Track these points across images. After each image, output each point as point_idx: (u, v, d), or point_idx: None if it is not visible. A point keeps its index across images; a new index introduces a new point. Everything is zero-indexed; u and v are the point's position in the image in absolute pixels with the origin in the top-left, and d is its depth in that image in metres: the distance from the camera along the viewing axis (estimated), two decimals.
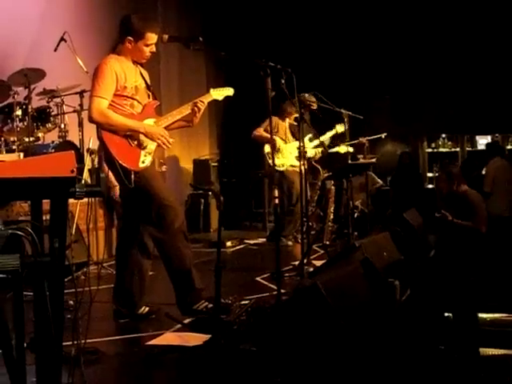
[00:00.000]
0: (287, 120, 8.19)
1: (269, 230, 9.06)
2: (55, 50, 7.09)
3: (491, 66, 11.28)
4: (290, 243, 7.86)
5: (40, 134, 7.11)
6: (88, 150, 5.58)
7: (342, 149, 7.58)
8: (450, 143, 13.15)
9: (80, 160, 6.42)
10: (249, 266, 6.79)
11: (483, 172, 9.87)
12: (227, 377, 3.40)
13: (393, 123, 11.51)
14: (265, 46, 9.27)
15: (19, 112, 6.76)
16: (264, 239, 8.46)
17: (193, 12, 11.10)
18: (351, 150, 7.77)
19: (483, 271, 5.01)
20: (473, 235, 6.53)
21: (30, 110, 6.75)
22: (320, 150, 7.93)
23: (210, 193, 9.59)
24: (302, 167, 5.75)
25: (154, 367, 3.61)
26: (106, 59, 4.35)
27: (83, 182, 2.39)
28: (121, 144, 4.28)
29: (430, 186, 12.44)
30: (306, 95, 7.15)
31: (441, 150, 13.11)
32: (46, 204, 2.42)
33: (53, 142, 7.01)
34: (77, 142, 7.12)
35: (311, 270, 5.50)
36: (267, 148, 7.82)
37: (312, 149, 7.94)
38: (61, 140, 7.12)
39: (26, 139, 6.73)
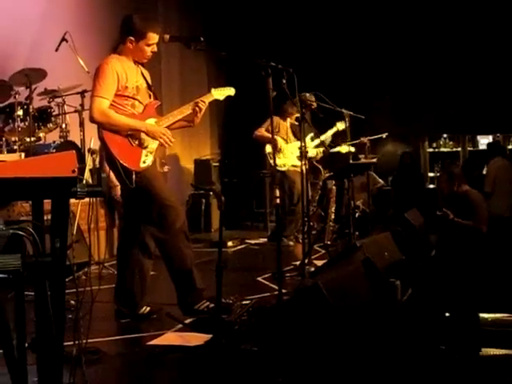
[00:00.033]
0: (288, 120, 8.20)
1: (270, 229, 9.06)
2: (56, 49, 7.09)
3: (492, 66, 11.28)
4: (291, 243, 7.86)
5: (41, 134, 7.10)
6: (89, 149, 5.57)
7: (344, 148, 7.58)
8: (451, 143, 13.15)
9: (81, 160, 6.43)
10: (250, 265, 6.79)
11: (484, 172, 9.87)
12: (228, 377, 3.40)
13: (394, 123, 11.50)
14: (266, 46, 9.28)
15: (20, 112, 6.75)
16: (265, 239, 8.46)
17: (194, 12, 11.10)
18: (353, 149, 7.77)
19: (484, 271, 5.01)
20: (473, 235, 6.53)
21: (31, 110, 6.74)
22: (321, 149, 7.93)
23: (211, 193, 9.59)
24: (303, 167, 5.74)
25: (155, 367, 3.61)
26: (107, 59, 4.35)
27: (84, 182, 2.38)
28: (122, 144, 4.29)
29: (431, 186, 12.44)
30: (307, 94, 7.15)
31: (442, 149, 13.11)
32: (47, 204, 2.42)
33: (54, 142, 7.01)
34: (78, 142, 7.12)
35: (312, 269, 5.49)
36: (268, 148, 7.82)
37: (313, 148, 7.94)
38: (62, 140, 7.11)
39: (28, 139, 6.72)
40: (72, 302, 4.14)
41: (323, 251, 7.18)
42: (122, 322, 4.50)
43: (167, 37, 4.38)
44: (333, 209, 7.91)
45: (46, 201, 2.44)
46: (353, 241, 6.00)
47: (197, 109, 4.56)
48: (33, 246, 2.31)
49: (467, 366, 3.28)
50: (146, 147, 4.38)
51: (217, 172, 10.38)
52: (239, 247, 8.20)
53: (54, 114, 7.16)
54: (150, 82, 4.62)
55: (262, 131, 7.90)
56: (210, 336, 3.84)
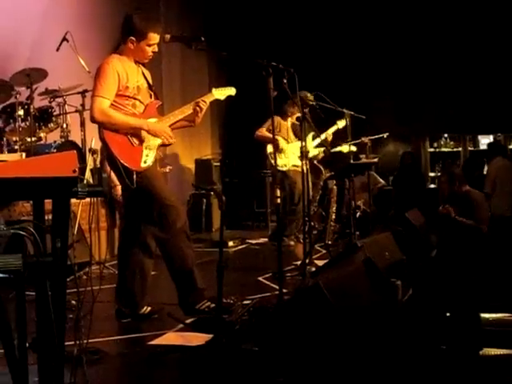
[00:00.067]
0: (289, 120, 8.19)
1: (271, 229, 9.06)
2: (57, 49, 7.09)
3: (493, 66, 11.27)
4: (292, 243, 7.86)
5: (42, 134, 7.10)
6: (90, 149, 5.57)
7: (345, 148, 7.58)
8: (452, 143, 13.14)
9: (82, 160, 6.43)
10: (251, 265, 6.79)
11: (485, 172, 9.86)
12: (229, 376, 3.40)
13: (395, 123, 11.51)
14: (267, 46, 9.27)
15: (21, 112, 6.75)
16: (266, 239, 8.46)
17: (195, 11, 11.10)
18: (354, 149, 7.77)
19: (485, 271, 5.01)
20: (474, 234, 6.52)
21: (32, 110, 6.75)
22: (322, 149, 7.93)
23: (212, 193, 9.58)
24: (304, 167, 5.73)
25: (156, 367, 3.61)
26: (108, 59, 4.35)
27: (85, 181, 2.39)
28: (123, 144, 4.29)
29: (432, 186, 12.43)
30: (308, 94, 7.14)
31: (443, 149, 13.11)
32: (48, 204, 2.43)
33: (55, 141, 7.01)
34: (79, 142, 7.12)
35: (313, 269, 5.49)
36: (270, 148, 7.81)
37: (314, 148, 7.94)
38: (63, 140, 7.11)
39: (28, 139, 6.73)
40: (73, 301, 4.14)
41: (324, 251, 7.18)
42: (122, 321, 4.50)
43: (168, 37, 4.38)
44: (334, 209, 7.91)
45: (46, 201, 2.44)
46: (354, 241, 5.99)
47: (198, 108, 4.56)
48: (34, 246, 2.31)
49: (468, 365, 3.28)
50: (147, 146, 4.38)
51: (218, 172, 10.38)
52: (240, 247, 8.20)
53: (54, 113, 7.16)
54: (150, 81, 4.62)
55: (263, 131, 7.90)
56: (211, 336, 3.84)
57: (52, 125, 7.13)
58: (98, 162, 5.88)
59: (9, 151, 6.64)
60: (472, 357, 3.34)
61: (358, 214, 7.76)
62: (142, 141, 4.36)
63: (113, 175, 4.53)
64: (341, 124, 7.66)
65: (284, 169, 7.88)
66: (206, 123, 10.82)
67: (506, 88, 11.10)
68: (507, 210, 8.39)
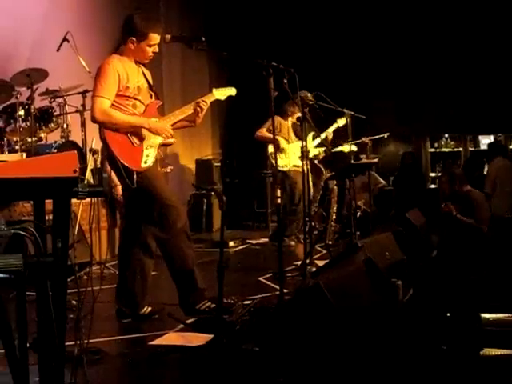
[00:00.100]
0: (290, 119, 8.18)
1: (271, 230, 9.06)
2: (58, 50, 7.08)
3: (493, 66, 11.27)
4: (292, 243, 7.86)
5: (42, 134, 7.10)
6: (91, 150, 5.57)
7: (346, 148, 7.57)
8: (452, 143, 13.14)
9: (83, 160, 6.43)
10: (251, 266, 6.79)
11: (485, 172, 9.86)
12: (230, 377, 3.40)
13: (395, 123, 11.51)
14: (267, 46, 9.28)
15: (22, 112, 6.75)
16: (266, 239, 8.46)
17: (195, 11, 11.10)
18: (355, 148, 7.77)
19: (485, 272, 5.01)
20: (475, 234, 6.52)
21: (32, 110, 6.75)
22: (323, 149, 7.92)
23: (213, 193, 9.58)
24: (305, 167, 5.73)
25: (156, 367, 3.61)
26: (108, 59, 4.36)
27: (86, 182, 2.39)
28: (123, 144, 4.29)
29: (433, 186, 12.43)
30: (308, 95, 7.14)
31: (443, 149, 13.10)
32: (48, 204, 2.43)
33: (55, 142, 7.01)
34: (79, 142, 7.11)
35: (314, 269, 5.49)
36: (271, 148, 7.81)
37: (315, 148, 7.93)
38: (63, 140, 7.11)
39: (29, 139, 6.73)
40: (73, 302, 4.14)
41: (324, 251, 7.18)
42: (123, 321, 4.50)
43: (169, 37, 4.38)
44: (334, 209, 7.91)
45: (47, 201, 2.44)
46: (354, 241, 5.99)
47: (198, 109, 4.56)
48: (34, 246, 2.31)
49: (468, 366, 3.28)
50: (148, 144, 4.38)
51: (218, 172, 10.38)
52: (240, 247, 8.20)
53: (55, 114, 7.16)
54: (151, 81, 4.63)
55: (264, 131, 7.89)
56: (212, 336, 3.84)
57: (52, 125, 7.13)
58: (98, 162, 5.88)
59: (9, 151, 6.64)
60: (472, 357, 3.33)
61: (359, 214, 7.76)
62: (142, 140, 4.36)
63: (113, 175, 4.53)
64: (341, 122, 7.65)
65: (285, 169, 7.87)
66: (206, 123, 10.81)
67: (506, 88, 11.10)
68: (507, 211, 8.38)
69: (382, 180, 10.00)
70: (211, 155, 10.98)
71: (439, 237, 6.64)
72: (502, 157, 9.09)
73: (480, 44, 11.26)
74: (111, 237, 7.17)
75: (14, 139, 6.76)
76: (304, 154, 5.81)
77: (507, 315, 3.67)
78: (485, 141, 12.53)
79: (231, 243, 8.13)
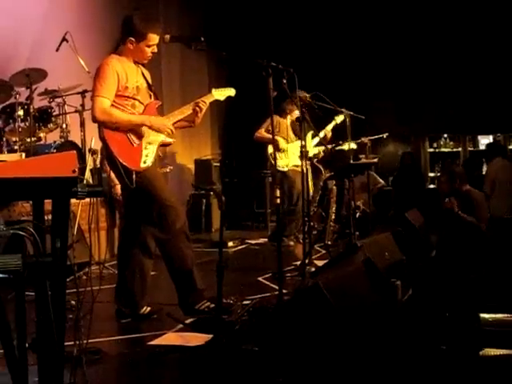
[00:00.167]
0: (288, 117, 8.14)
1: (270, 230, 9.06)
2: (57, 50, 7.09)
3: (492, 66, 11.28)
4: (291, 243, 7.85)
5: (42, 134, 7.11)
6: (90, 149, 5.57)
7: (345, 146, 7.56)
8: (451, 143, 13.14)
9: (82, 160, 6.44)
10: (250, 266, 6.79)
11: (484, 172, 9.85)
12: (229, 377, 3.40)
13: (395, 123, 11.51)
14: (267, 46, 9.28)
15: (21, 112, 6.76)
16: (266, 239, 8.45)
17: (194, 11, 11.10)
18: (355, 146, 7.76)
19: (484, 272, 5.01)
20: (475, 233, 6.52)
21: (31, 110, 6.75)
22: (322, 148, 7.91)
23: (212, 193, 9.59)
24: (304, 167, 5.73)
25: (155, 367, 3.61)
26: (107, 59, 4.36)
27: (85, 182, 2.39)
28: (122, 144, 4.29)
29: (432, 186, 12.43)
30: (307, 95, 7.13)
31: (442, 149, 13.11)
32: (47, 204, 2.43)
33: (54, 142, 7.01)
34: (78, 142, 7.12)
35: (313, 270, 5.49)
36: (270, 149, 7.80)
37: (314, 147, 7.92)
38: (62, 140, 7.11)
39: (28, 139, 6.73)
40: (73, 302, 4.15)
41: (324, 251, 7.18)
42: (122, 322, 4.50)
43: (168, 37, 4.38)
44: (333, 209, 7.91)
45: (46, 201, 2.44)
46: (353, 241, 6.00)
47: (197, 109, 4.56)
48: (33, 246, 2.31)
49: (468, 366, 3.28)
50: (148, 141, 4.39)
51: (217, 172, 10.37)
52: (240, 247, 8.20)
53: (54, 114, 7.17)
54: (150, 82, 4.63)
55: (262, 132, 7.88)
56: (211, 336, 3.84)
57: (52, 125, 7.13)
58: (97, 162, 5.89)
59: (8, 151, 6.64)
60: (472, 357, 3.34)
61: (358, 214, 7.75)
62: (141, 138, 4.36)
63: (112, 174, 4.53)
64: (339, 119, 7.64)
65: (285, 169, 7.86)
66: (205, 123, 10.82)
67: (506, 88, 11.11)
68: (506, 212, 8.36)
69: (381, 180, 10.01)
70: (210, 155, 10.99)
71: (438, 236, 6.64)
72: (501, 157, 9.08)
73: (480, 44, 11.27)
74: (110, 237, 7.17)
75: (13, 139, 6.76)
76: (303, 154, 5.81)
77: (506, 315, 3.68)
78: (484, 141, 12.54)
79: (230, 243, 8.13)
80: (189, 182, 10.30)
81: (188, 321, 4.37)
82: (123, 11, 6.82)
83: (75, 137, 7.23)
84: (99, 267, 5.45)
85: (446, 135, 13.07)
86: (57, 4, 8.12)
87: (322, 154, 8.08)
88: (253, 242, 8.54)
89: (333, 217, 7.90)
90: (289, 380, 3.24)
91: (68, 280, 2.57)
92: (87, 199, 2.62)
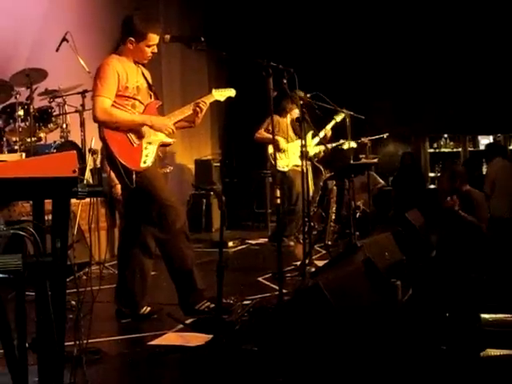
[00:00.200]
0: (288, 116, 8.10)
1: (270, 230, 9.06)
2: (57, 50, 7.09)
3: (492, 66, 11.27)
4: (291, 243, 7.85)
5: (42, 134, 7.11)
6: (90, 149, 5.58)
7: (345, 145, 7.56)
8: (451, 143, 13.14)
9: (82, 160, 6.44)
10: (251, 266, 6.79)
11: (484, 172, 9.84)
12: (229, 377, 3.40)
13: (395, 123, 11.51)
14: (267, 46, 9.27)
15: (21, 112, 6.76)
16: (266, 239, 8.45)
17: (194, 11, 11.10)
18: (354, 145, 7.75)
19: (485, 272, 5.01)
20: (475, 233, 6.52)
21: (31, 110, 6.75)
22: (323, 148, 7.90)
23: (212, 193, 9.59)
24: (304, 167, 5.73)
25: (156, 367, 3.61)
26: (107, 59, 4.36)
27: (85, 182, 2.39)
28: (122, 143, 4.29)
29: (432, 187, 12.43)
30: (308, 95, 7.12)
31: (443, 150, 13.10)
32: (48, 204, 2.43)
33: (55, 142, 7.01)
34: (79, 142, 7.12)
35: (313, 270, 5.49)
36: (271, 149, 7.79)
37: (315, 146, 7.91)
38: (63, 140, 7.12)
39: (28, 139, 6.73)
40: (73, 302, 4.15)
41: (324, 251, 7.18)
42: (122, 322, 4.50)
43: (168, 37, 4.38)
44: (333, 209, 7.91)
45: (46, 201, 2.44)
46: (353, 241, 6.00)
47: (197, 109, 4.56)
48: (34, 246, 2.31)
49: (468, 366, 3.28)
50: (149, 141, 4.39)
51: (217, 172, 10.38)
52: (240, 247, 8.20)
53: (54, 114, 7.17)
54: (150, 82, 4.63)
55: (262, 132, 7.87)
56: (211, 336, 3.84)
57: (52, 125, 7.13)
58: (97, 162, 5.89)
59: (9, 151, 6.64)
60: (472, 357, 3.33)
61: (358, 214, 7.75)
62: (142, 138, 4.36)
63: (113, 174, 4.53)
64: (338, 118, 7.63)
65: (285, 169, 7.85)
66: (205, 124, 10.82)
67: (506, 88, 11.10)
68: (506, 212, 8.36)
69: (381, 180, 10.00)
70: (210, 155, 10.99)
71: (438, 235, 6.64)
72: (501, 157, 9.07)
73: (479, 44, 11.27)
74: (110, 237, 7.17)
75: (14, 139, 6.76)
76: (304, 155, 5.81)
77: (507, 315, 3.68)
78: (484, 141, 12.52)
79: (230, 243, 8.13)
80: (189, 182, 10.30)
81: (188, 321, 4.37)
82: (123, 11, 6.80)
83: (75, 137, 7.23)
84: (99, 267, 5.45)
85: (446, 135, 13.06)
86: (57, 4, 8.12)
87: (322, 153, 8.07)
88: (253, 242, 8.54)
89: (333, 217, 7.90)
90: (289, 380, 3.24)
91: (68, 280, 2.57)
92: (87, 199, 2.62)
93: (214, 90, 4.79)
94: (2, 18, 7.22)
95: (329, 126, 7.80)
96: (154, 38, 4.37)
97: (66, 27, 7.18)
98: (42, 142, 7.09)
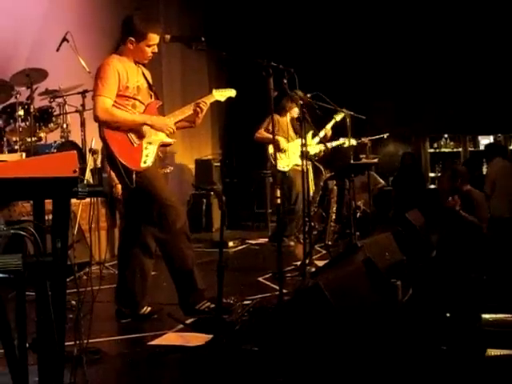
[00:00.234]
0: (288, 115, 8.09)
1: (271, 230, 9.06)
2: (57, 50, 7.09)
3: (493, 66, 11.27)
4: (291, 243, 7.84)
5: (42, 134, 7.11)
6: (90, 149, 5.58)
7: (346, 142, 7.54)
8: (452, 143, 13.13)
9: (82, 160, 6.44)
10: (251, 266, 6.79)
11: (484, 172, 9.84)
12: (229, 377, 3.40)
13: (395, 123, 11.51)
14: (267, 46, 9.28)
15: (21, 112, 6.76)
16: (266, 239, 8.45)
17: (194, 11, 11.10)
18: (354, 142, 7.75)
19: (485, 272, 5.01)
20: (475, 233, 6.52)
21: (32, 110, 6.75)
22: (323, 147, 7.90)
23: (212, 193, 9.60)
24: (304, 167, 5.73)
25: (156, 367, 3.61)
26: (108, 59, 4.36)
27: (85, 182, 2.39)
28: (123, 143, 4.29)
29: (432, 187, 12.43)
30: (308, 95, 7.12)
31: (443, 150, 13.10)
32: (48, 204, 2.43)
33: (55, 142, 7.02)
34: (79, 142, 7.12)
35: (313, 270, 5.50)
36: (271, 149, 7.78)
37: (316, 145, 7.90)
38: (63, 140, 7.12)
39: (29, 139, 6.73)
40: (73, 302, 4.14)
41: (324, 251, 7.18)
42: (122, 322, 4.50)
43: (168, 37, 4.38)
44: (334, 209, 7.91)
45: (47, 201, 2.44)
46: (354, 241, 6.00)
47: (198, 109, 4.56)
48: (34, 246, 2.31)
49: (468, 366, 3.28)
50: (149, 141, 4.39)
51: (218, 172, 10.38)
52: (240, 247, 8.20)
53: (54, 114, 7.17)
54: (151, 82, 4.63)
55: (262, 132, 7.85)
56: (211, 336, 3.84)
57: (52, 125, 7.14)
58: (98, 162, 5.89)
59: (9, 151, 6.64)
60: (473, 357, 3.33)
61: (358, 214, 7.75)
62: (142, 138, 4.36)
63: (113, 174, 4.53)
64: (338, 117, 7.63)
65: (286, 169, 7.84)
66: (206, 124, 10.82)
67: (506, 88, 11.10)
68: (506, 212, 8.35)
69: (381, 180, 10.01)
70: (211, 155, 10.99)
71: (439, 235, 6.64)
72: (501, 157, 9.06)
73: (480, 44, 11.26)
74: (111, 237, 7.17)
75: (14, 139, 6.76)
76: (304, 154, 5.81)
77: (507, 315, 3.68)
78: (484, 141, 12.52)
79: (231, 243, 8.13)
80: (189, 182, 10.30)
81: (188, 321, 4.37)
82: (124, 11, 6.80)
83: (76, 137, 7.24)
84: (99, 267, 5.46)
85: (446, 135, 13.06)
86: (57, 4, 8.12)
87: (322, 152, 8.06)
88: (253, 242, 8.54)
89: (333, 217, 7.90)
90: (289, 380, 3.24)
91: (68, 280, 2.57)
92: (87, 199, 2.62)
93: (214, 90, 4.79)
94: (2, 18, 7.22)
95: (329, 126, 7.80)
96: (154, 38, 4.38)
97: (66, 27, 7.19)
98: (42, 142, 7.09)
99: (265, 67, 4.23)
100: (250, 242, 8.53)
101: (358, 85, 11.35)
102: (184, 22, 10.65)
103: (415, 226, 6.18)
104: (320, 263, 6.01)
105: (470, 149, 12.94)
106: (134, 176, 4.25)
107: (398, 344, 3.44)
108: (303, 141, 5.74)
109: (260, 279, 5.88)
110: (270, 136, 6.63)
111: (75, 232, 5.71)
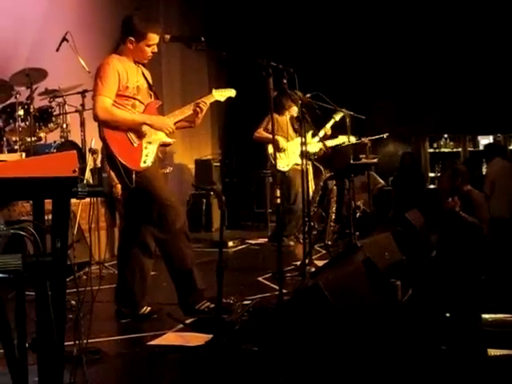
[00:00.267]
0: (287, 114, 8.07)
1: (270, 230, 9.05)
2: (57, 49, 7.09)
3: (492, 66, 11.27)
4: (291, 243, 7.84)
5: (42, 134, 7.11)
6: (90, 149, 5.57)
7: (343, 139, 7.53)
8: (451, 143, 13.13)
9: (82, 160, 6.43)
10: (250, 266, 6.78)
11: (484, 172, 9.83)
12: (229, 377, 3.40)
13: (395, 123, 11.51)
14: (267, 46, 9.28)
15: (21, 112, 6.76)
16: (266, 239, 8.45)
17: (194, 11, 11.10)
18: (354, 140, 7.75)
19: (485, 272, 5.01)
20: (475, 233, 6.52)
21: (32, 110, 6.75)
22: (323, 146, 7.88)
23: (212, 193, 9.60)
24: (304, 167, 5.73)
25: (155, 367, 3.61)
26: (108, 59, 4.36)
27: (85, 181, 2.38)
28: (122, 143, 4.29)
29: (432, 187, 12.43)
30: (307, 95, 7.12)
31: (443, 150, 13.10)
32: (48, 204, 2.43)
33: (55, 141, 7.01)
34: (79, 142, 7.11)
35: (313, 270, 5.49)
36: (271, 149, 7.78)
37: (316, 144, 7.89)
38: (63, 140, 7.11)
39: (28, 139, 6.73)
40: (73, 301, 4.14)
41: (324, 251, 7.18)
42: (122, 321, 4.50)
43: (168, 37, 4.38)
44: (333, 209, 7.91)
45: (46, 201, 2.44)
46: (353, 241, 6.00)
47: (198, 109, 4.57)
48: (33, 246, 2.31)
49: (468, 366, 3.28)
50: (149, 141, 4.39)
51: (217, 172, 10.37)
52: (240, 247, 8.20)
53: (54, 113, 7.17)
54: (150, 81, 4.63)
55: (261, 132, 7.84)
56: (211, 336, 3.84)
57: (52, 125, 7.13)
58: (97, 162, 5.88)
59: (9, 151, 6.64)
60: (472, 358, 3.33)
61: (358, 214, 7.74)
62: (142, 138, 4.36)
63: (113, 174, 4.53)
64: (338, 116, 7.63)
65: (286, 169, 7.83)
66: (206, 124, 10.82)
67: (506, 88, 11.10)
68: (506, 212, 8.34)
69: (381, 180, 10.00)
70: (211, 155, 10.99)
71: (439, 235, 6.64)
72: (500, 158, 9.05)
73: (480, 44, 11.27)
74: (110, 237, 7.17)
75: (14, 139, 6.76)
76: (303, 154, 5.81)
77: (507, 316, 3.68)
78: (484, 141, 12.52)
79: (230, 243, 8.13)
80: (189, 181, 10.30)
81: (188, 321, 4.37)
82: (123, 11, 6.80)
83: (75, 137, 7.23)
84: (99, 267, 5.46)
85: (446, 135, 13.06)
86: (57, 4, 8.12)
87: (321, 151, 8.04)
88: (253, 241, 8.54)
89: (333, 217, 7.90)
90: (289, 380, 3.24)
91: (68, 280, 2.57)
92: (87, 199, 2.62)
93: (214, 90, 4.79)
94: (2, 18, 7.22)
95: (328, 125, 7.80)
96: (153, 38, 4.38)
97: (65, 27, 7.18)
98: (42, 142, 7.08)
99: (264, 67, 4.23)
100: (249, 241, 8.53)
101: (357, 85, 11.35)
102: (184, 22, 10.65)
103: (415, 226, 6.18)
104: (320, 263, 6.00)
105: (469, 149, 12.94)
106: (133, 176, 4.25)
107: (398, 344, 3.44)
108: (303, 139, 5.74)
109: (260, 279, 5.88)
110: (269, 136, 6.63)
111: (75, 232, 5.71)
